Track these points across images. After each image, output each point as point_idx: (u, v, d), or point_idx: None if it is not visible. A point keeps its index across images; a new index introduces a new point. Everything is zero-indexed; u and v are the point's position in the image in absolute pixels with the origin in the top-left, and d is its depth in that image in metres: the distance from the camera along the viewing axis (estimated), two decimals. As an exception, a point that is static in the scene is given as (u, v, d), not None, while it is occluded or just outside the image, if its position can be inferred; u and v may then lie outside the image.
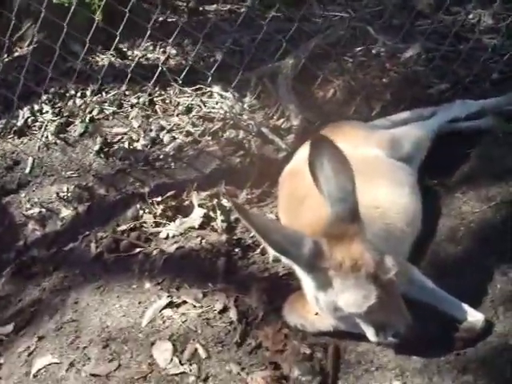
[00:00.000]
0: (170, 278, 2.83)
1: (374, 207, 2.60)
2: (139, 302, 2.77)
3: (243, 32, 3.99)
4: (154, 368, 2.45)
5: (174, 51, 4.04)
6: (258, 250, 2.91)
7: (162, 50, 4.06)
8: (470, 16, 3.84)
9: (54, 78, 3.88)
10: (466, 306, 2.34)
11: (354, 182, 2.18)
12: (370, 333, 2.23)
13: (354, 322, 2.23)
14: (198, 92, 3.58)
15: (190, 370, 2.39)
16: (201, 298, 2.70)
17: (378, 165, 2.83)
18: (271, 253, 2.10)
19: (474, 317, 2.30)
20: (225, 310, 2.61)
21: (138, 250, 3.07)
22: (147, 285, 2.84)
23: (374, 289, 2.09)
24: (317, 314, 2.39)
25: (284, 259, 2.11)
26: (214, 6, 4.28)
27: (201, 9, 4.26)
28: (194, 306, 2.66)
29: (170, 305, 2.70)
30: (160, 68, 3.35)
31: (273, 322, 2.51)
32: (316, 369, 2.29)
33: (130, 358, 2.54)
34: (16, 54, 4.23)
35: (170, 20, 4.21)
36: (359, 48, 3.68)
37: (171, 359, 2.46)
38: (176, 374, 2.41)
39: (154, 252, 3.01)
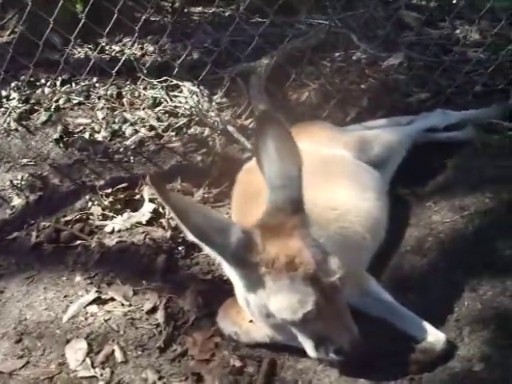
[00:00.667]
0: (104, 273, 2.41)
1: (331, 208, 2.17)
2: (65, 296, 2.35)
3: (224, 34, 3.60)
4: (63, 369, 2.04)
5: (151, 48, 3.67)
6: (204, 251, 2.44)
7: (140, 46, 3.68)
8: (457, 31, 3.44)
9: (27, 66, 3.48)
10: (426, 324, 1.91)
11: (301, 169, 1.76)
12: (308, 346, 1.79)
13: (290, 332, 1.76)
14: (165, 84, 3.19)
15: (101, 375, 1.95)
16: (130, 295, 2.26)
17: (341, 165, 2.42)
18: (190, 238, 1.64)
19: (435, 336, 1.86)
20: (153, 310, 2.18)
21: (78, 242, 2.66)
22: (78, 278, 2.42)
23: (311, 293, 1.65)
24: (251, 321, 1.93)
25: (207, 249, 1.67)
26: (200, 8, 3.90)
27: (186, 10, 3.90)
28: (122, 304, 2.23)
29: (96, 301, 2.29)
30: (124, 58, 2.95)
31: (204, 329, 2.08)
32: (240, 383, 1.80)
33: (41, 355, 2.12)
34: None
35: (152, 19, 3.83)
36: (339, 53, 3.26)
37: (83, 360, 2.02)
38: (85, 378, 1.99)
39: (94, 245, 2.54)
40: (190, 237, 1.66)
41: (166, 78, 3.22)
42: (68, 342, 2.11)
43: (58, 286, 2.41)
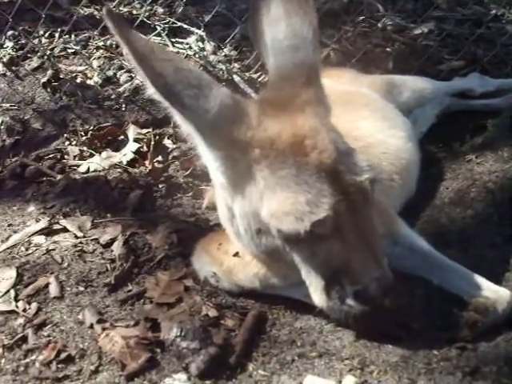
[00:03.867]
0: (62, 204, 1.80)
1: (353, 137, 1.49)
2: (9, 225, 1.75)
3: (239, 1, 3.06)
4: None
5: (161, 10, 3.10)
6: (190, 193, 1.80)
7: (149, 7, 3.12)
8: (493, 11, 2.85)
9: (27, 21, 2.96)
10: (481, 279, 1.21)
11: (316, 30, 1.11)
12: (314, 287, 1.12)
13: (289, 265, 1.09)
14: (168, 26, 2.59)
15: (24, 310, 1.30)
16: (88, 227, 1.62)
17: (367, 98, 1.82)
18: (149, 92, 1.00)
19: (496, 292, 1.15)
20: (111, 243, 1.50)
21: (44, 178, 1.97)
22: (31, 208, 1.82)
23: (327, 192, 0.98)
24: (236, 254, 1.25)
25: (176, 114, 1.03)
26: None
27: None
28: (76, 236, 1.57)
29: (44, 230, 1.61)
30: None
31: (173, 270, 1.38)
32: (213, 337, 1.11)
33: None
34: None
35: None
36: (363, 17, 2.67)
37: (6, 292, 1.33)
38: (1, 312, 1.28)
39: (59, 178, 1.90)
40: (152, 91, 1.02)
41: (169, 19, 2.65)
42: (-5, 271, 1.45)
43: (6, 216, 1.79)
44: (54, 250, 1.52)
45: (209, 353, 1.10)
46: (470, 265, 1.33)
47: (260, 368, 1.14)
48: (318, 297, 1.11)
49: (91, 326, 1.23)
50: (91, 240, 1.54)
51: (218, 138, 1.05)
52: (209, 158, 1.10)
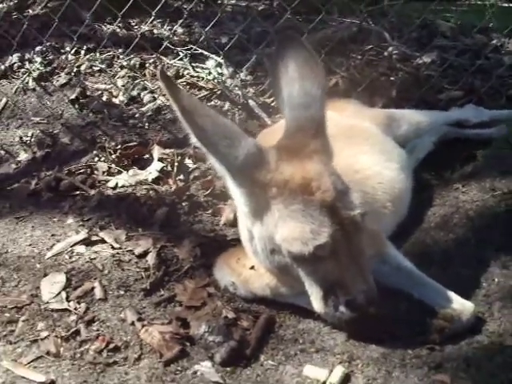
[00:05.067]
0: (98, 217, 2.18)
1: (353, 171, 1.87)
2: (52, 235, 2.11)
3: (255, 25, 3.43)
4: (35, 300, 1.78)
5: (180, 30, 3.48)
6: (210, 211, 2.18)
7: (169, 27, 3.51)
8: (494, 41, 3.21)
9: (54, 36, 3.34)
10: (451, 293, 1.62)
11: (324, 90, 1.49)
12: (315, 297, 1.49)
13: (296, 279, 1.46)
14: (190, 52, 2.98)
15: (76, 309, 1.69)
16: (123, 240, 2.00)
17: (366, 133, 2.18)
18: (193, 142, 1.38)
19: (461, 304, 1.54)
20: (145, 255, 1.91)
21: (77, 192, 2.36)
22: (70, 220, 2.19)
23: (327, 223, 1.36)
24: (252, 267, 1.63)
25: (211, 159, 1.41)
26: (233, 1, 3.76)
27: (219, 1, 3.74)
28: (112, 247, 1.96)
29: (84, 241, 2.01)
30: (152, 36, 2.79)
31: (198, 278, 1.78)
32: (233, 333, 1.48)
33: (15, 286, 1.87)
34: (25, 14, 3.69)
35: (185, 7, 3.68)
36: (370, 46, 3.04)
37: (58, 293, 1.74)
38: (56, 310, 1.72)
39: (93, 193, 2.28)
40: (194, 140, 1.40)
41: (191, 46, 3.02)
42: (46, 275, 1.83)
43: (48, 226, 2.17)
44: (95, 258, 1.90)
45: (230, 346, 1.47)
46: (447, 281, 1.70)
47: (270, 359, 1.52)
48: (317, 304, 1.49)
49: (132, 323, 1.61)
50: (127, 251, 1.92)
51: (244, 179, 1.43)
52: (235, 193, 1.49)
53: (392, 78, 2.97)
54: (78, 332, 1.62)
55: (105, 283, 1.78)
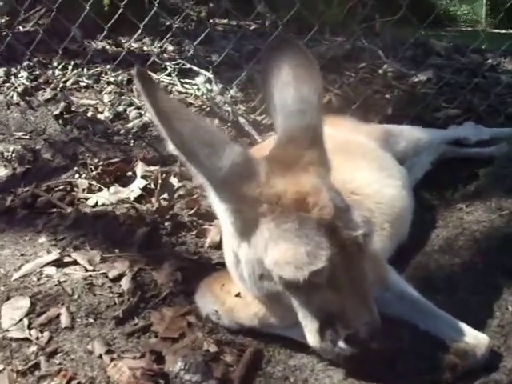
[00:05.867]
0: (73, 237, 1.96)
1: (350, 191, 1.65)
2: (22, 254, 1.90)
3: (247, 42, 3.27)
4: None
5: (170, 47, 3.31)
6: (194, 232, 1.95)
7: (159, 45, 3.34)
8: (489, 61, 3.06)
9: (41, 52, 3.18)
10: (463, 325, 1.38)
11: (321, 97, 1.28)
12: (309, 330, 1.27)
13: (287, 308, 1.22)
14: (178, 67, 2.79)
15: (37, 338, 1.44)
16: (97, 261, 1.77)
17: (365, 148, 1.97)
18: (170, 149, 1.16)
19: (475, 338, 1.30)
20: (119, 278, 1.65)
21: (54, 210, 2.13)
22: (42, 239, 1.98)
23: (325, 245, 1.13)
24: (238, 295, 1.39)
25: (192, 169, 1.18)
26: (225, 20, 3.61)
27: (211, 21, 3.59)
28: (85, 269, 1.72)
29: (55, 262, 1.76)
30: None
31: (177, 306, 1.54)
32: (213, 371, 1.24)
33: None
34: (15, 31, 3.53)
35: (176, 25, 3.51)
36: (364, 64, 2.87)
37: (19, 320, 1.46)
38: (15, 339, 1.47)
39: (70, 211, 2.06)
40: (171, 147, 1.18)
41: (179, 60, 2.84)
42: (8, 299, 1.59)
43: (18, 245, 1.95)
44: (65, 281, 1.66)
45: (209, 386, 1.23)
46: (455, 310, 1.48)
47: (256, 401, 1.27)
48: (312, 338, 1.25)
49: (100, 356, 1.37)
50: (100, 274, 1.68)
51: (229, 193, 1.21)
52: (219, 209, 1.26)
53: (387, 96, 2.80)
54: (37, 365, 1.38)
55: (73, 309, 1.53)
